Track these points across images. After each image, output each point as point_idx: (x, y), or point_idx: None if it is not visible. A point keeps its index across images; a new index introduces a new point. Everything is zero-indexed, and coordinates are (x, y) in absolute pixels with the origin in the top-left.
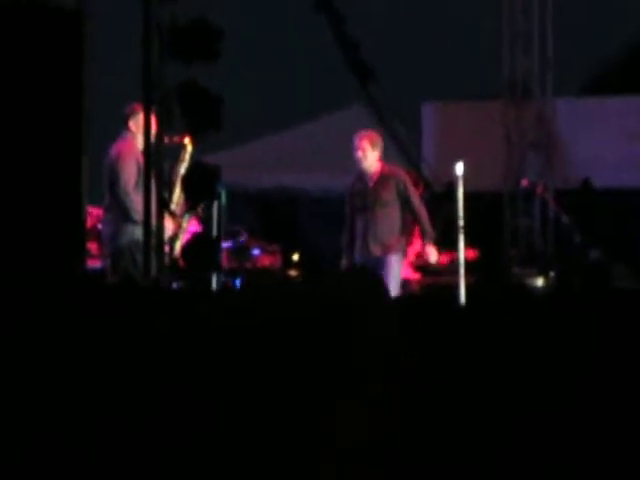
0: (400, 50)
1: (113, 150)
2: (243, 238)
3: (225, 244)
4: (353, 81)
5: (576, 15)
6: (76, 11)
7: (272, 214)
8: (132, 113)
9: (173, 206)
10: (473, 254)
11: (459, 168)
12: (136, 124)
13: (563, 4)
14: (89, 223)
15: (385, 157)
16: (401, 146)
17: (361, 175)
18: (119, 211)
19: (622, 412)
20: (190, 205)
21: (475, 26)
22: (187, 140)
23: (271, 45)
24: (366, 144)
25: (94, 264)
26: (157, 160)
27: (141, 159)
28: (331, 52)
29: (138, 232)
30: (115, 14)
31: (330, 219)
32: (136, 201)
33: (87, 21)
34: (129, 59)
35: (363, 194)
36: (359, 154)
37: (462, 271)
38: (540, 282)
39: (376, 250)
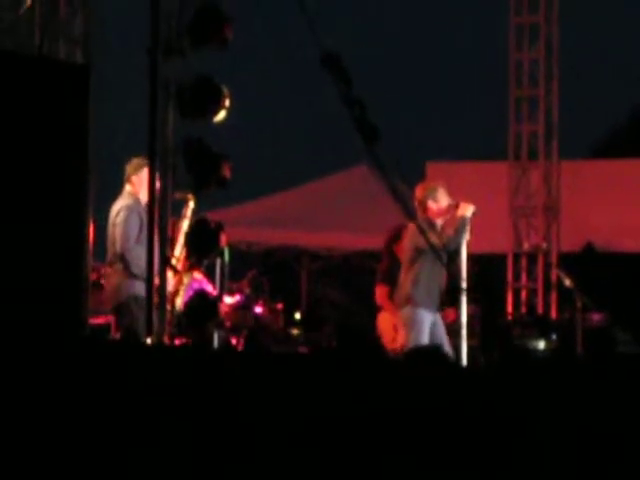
0: (408, 109)
1: (115, 205)
2: (245, 295)
3: (228, 301)
4: (358, 141)
5: (582, 80)
6: (84, 67)
7: (275, 272)
8: (134, 168)
9: (174, 261)
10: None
11: None
12: (138, 179)
13: (569, 69)
14: (92, 278)
15: (389, 217)
16: (405, 206)
17: (428, 227)
18: (120, 265)
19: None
20: (193, 262)
21: (482, 88)
22: (189, 196)
23: (277, 105)
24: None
25: (97, 320)
26: (161, 215)
27: (143, 214)
28: (338, 112)
29: (139, 287)
30: (122, 71)
31: (333, 277)
32: (137, 255)
33: (94, 76)
34: (135, 114)
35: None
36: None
37: (464, 332)
38: (542, 345)
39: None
